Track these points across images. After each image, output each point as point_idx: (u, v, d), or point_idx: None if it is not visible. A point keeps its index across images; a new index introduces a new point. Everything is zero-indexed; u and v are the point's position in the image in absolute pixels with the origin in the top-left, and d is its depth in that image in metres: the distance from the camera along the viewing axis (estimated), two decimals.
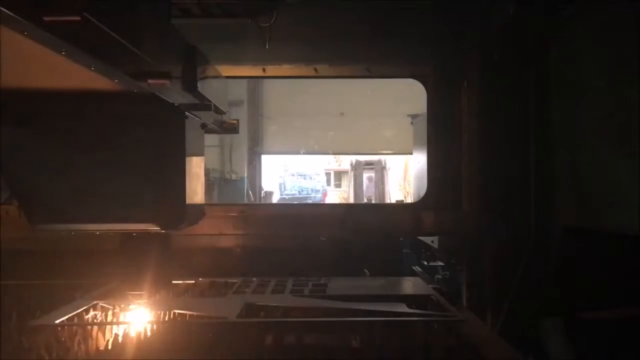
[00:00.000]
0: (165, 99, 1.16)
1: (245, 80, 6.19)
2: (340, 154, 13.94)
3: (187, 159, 1.30)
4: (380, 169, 11.55)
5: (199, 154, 1.43)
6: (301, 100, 6.84)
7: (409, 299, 1.62)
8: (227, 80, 1.80)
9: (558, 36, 1.84)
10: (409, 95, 3.89)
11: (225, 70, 2.34)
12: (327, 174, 20.27)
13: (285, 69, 2.40)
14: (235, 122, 1.73)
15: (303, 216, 2.30)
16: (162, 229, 1.34)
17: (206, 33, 1.89)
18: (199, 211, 1.49)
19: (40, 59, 0.87)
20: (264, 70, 2.38)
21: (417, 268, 2.35)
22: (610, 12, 1.56)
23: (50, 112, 1.21)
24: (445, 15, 2.13)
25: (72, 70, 0.92)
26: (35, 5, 0.70)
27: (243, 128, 6.63)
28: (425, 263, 2.36)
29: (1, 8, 0.63)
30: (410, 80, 2.44)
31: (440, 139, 2.33)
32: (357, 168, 11.86)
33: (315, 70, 2.39)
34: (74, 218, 1.29)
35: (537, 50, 1.90)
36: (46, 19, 0.71)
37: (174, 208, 1.30)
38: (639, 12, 1.41)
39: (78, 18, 0.75)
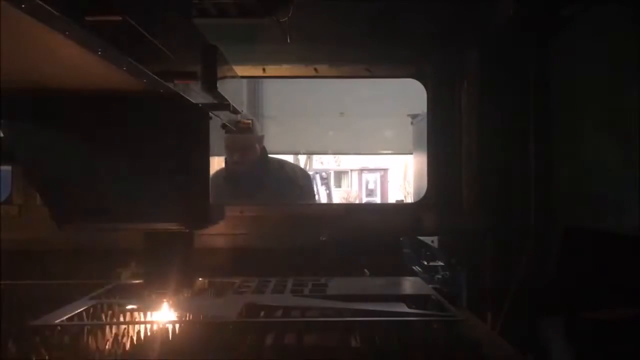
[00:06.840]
0: (189, 99, 1.16)
1: (245, 80, 6.18)
2: (340, 154, 13.96)
3: (211, 159, 1.31)
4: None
5: (220, 154, 1.43)
6: (301, 100, 6.81)
7: (409, 299, 1.62)
8: (242, 80, 1.79)
9: (558, 36, 1.84)
10: (409, 95, 3.88)
11: None
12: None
13: (285, 69, 2.40)
14: (249, 122, 1.72)
15: (303, 216, 2.30)
16: (186, 229, 1.35)
17: (206, 33, 1.89)
18: (220, 211, 1.51)
19: (64, 56, 0.86)
20: (264, 70, 2.37)
21: (417, 268, 2.35)
22: (610, 11, 1.56)
23: (75, 112, 1.21)
24: (445, 15, 2.13)
25: (97, 69, 0.92)
26: (78, 4, 0.70)
27: None
28: (425, 263, 2.36)
29: (46, 6, 0.62)
30: (410, 80, 2.44)
31: (440, 139, 2.33)
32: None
33: (315, 70, 2.39)
34: (100, 218, 1.29)
35: (537, 50, 1.90)
36: (88, 18, 0.71)
37: (198, 208, 1.30)
38: (639, 11, 1.41)
39: (119, 18, 0.75)
